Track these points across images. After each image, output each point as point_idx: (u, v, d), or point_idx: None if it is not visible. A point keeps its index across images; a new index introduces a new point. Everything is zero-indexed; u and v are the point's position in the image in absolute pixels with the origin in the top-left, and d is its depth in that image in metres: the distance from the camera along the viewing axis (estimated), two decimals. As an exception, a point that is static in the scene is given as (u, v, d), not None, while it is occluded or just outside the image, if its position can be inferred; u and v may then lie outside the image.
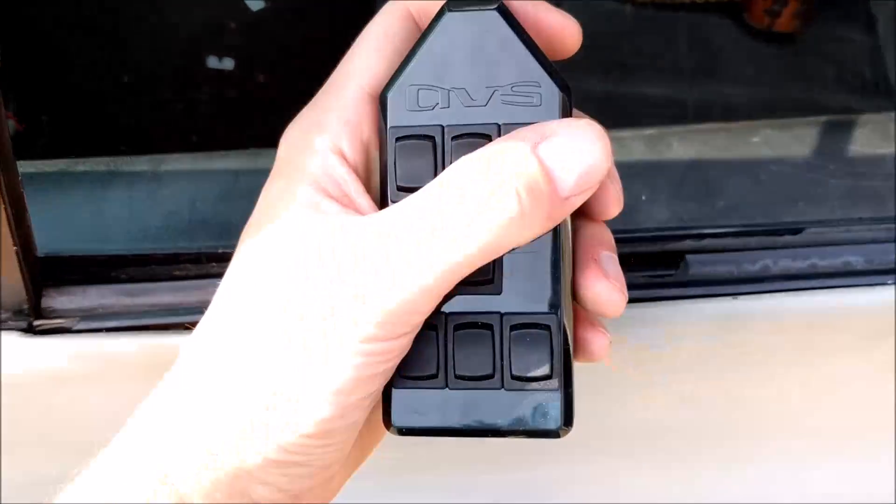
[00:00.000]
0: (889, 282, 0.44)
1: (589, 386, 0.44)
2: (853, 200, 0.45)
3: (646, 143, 0.48)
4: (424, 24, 0.33)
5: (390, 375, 0.31)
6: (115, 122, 1.28)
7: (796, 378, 0.46)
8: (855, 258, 0.44)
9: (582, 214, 0.32)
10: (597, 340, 0.33)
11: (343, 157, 0.31)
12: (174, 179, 0.46)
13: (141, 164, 0.47)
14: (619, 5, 0.99)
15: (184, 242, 0.43)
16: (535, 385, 0.31)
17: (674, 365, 0.45)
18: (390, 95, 0.31)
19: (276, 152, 0.45)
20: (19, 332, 0.41)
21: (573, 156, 0.29)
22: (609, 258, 0.32)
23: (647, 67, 0.98)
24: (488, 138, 0.30)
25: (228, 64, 1.34)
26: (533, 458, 0.50)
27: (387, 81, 0.32)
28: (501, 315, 0.31)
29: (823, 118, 0.48)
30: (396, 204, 0.29)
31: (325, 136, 0.31)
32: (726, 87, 1.00)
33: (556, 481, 0.51)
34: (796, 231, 0.44)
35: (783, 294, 0.43)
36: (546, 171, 0.28)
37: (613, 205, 0.32)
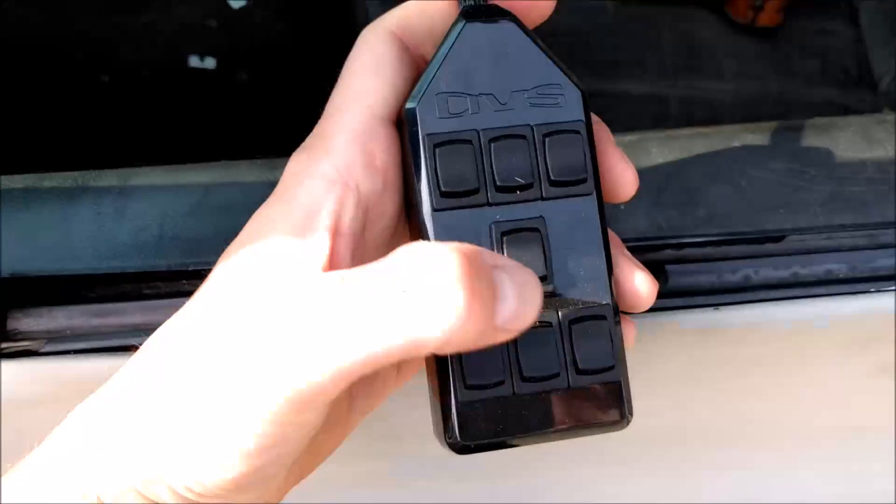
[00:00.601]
0: (872, 289, 0.43)
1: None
2: (835, 206, 0.45)
3: (625, 150, 0.47)
4: (410, 40, 0.33)
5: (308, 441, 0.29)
6: (85, 124, 1.27)
7: (781, 387, 0.45)
8: (837, 266, 0.44)
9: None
10: (629, 330, 0.34)
11: (355, 189, 0.31)
12: (143, 194, 0.45)
13: (109, 178, 0.46)
14: (601, 2, 0.98)
15: (154, 260, 0.42)
16: (599, 377, 0.31)
17: (656, 378, 0.44)
18: (419, 105, 0.32)
19: (248, 164, 0.45)
20: (-16, 356, 0.40)
21: (520, 288, 0.28)
22: (629, 255, 0.34)
23: (628, 63, 0.98)
24: (524, 138, 0.32)
25: (210, 63, 1.33)
26: (520, 467, 0.49)
27: (394, 103, 0.32)
28: (559, 311, 0.31)
29: (804, 122, 0.48)
30: (348, 276, 0.28)
31: (333, 167, 0.31)
32: (709, 82, 0.99)
33: (544, 489, 0.51)
34: (777, 239, 0.44)
35: (765, 304, 0.43)
36: (492, 287, 0.27)
37: (633, 182, 0.34)
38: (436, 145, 0.31)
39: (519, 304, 0.28)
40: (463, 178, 0.31)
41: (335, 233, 0.30)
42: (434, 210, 0.31)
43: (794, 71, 1.02)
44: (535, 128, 0.32)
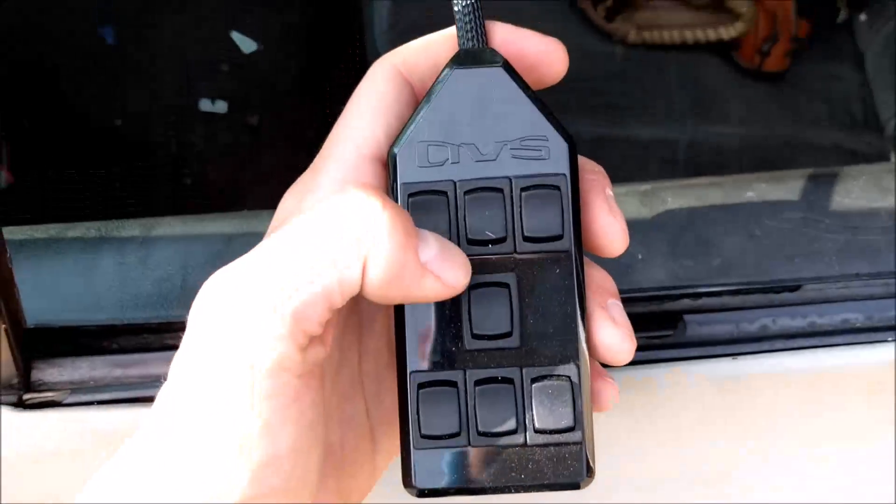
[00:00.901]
0: (889, 339, 0.43)
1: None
2: (850, 255, 0.45)
3: (640, 200, 0.48)
4: (413, 77, 0.33)
5: (298, 439, 0.29)
6: (110, 169, 1.28)
7: (800, 437, 0.45)
8: (854, 315, 0.44)
9: (587, 253, 0.33)
10: (606, 390, 0.32)
11: None
12: (165, 244, 0.45)
13: (131, 228, 0.46)
14: (609, 47, 0.99)
15: (176, 310, 0.43)
16: (558, 437, 0.31)
17: (673, 428, 0.44)
18: (399, 152, 0.32)
19: (269, 214, 0.45)
20: (9, 407, 0.40)
21: (444, 243, 0.30)
22: (615, 305, 0.32)
23: (636, 108, 0.99)
24: (500, 192, 0.31)
25: (221, 107, 1.34)
26: None
27: (384, 141, 0.32)
28: (521, 368, 0.31)
29: (817, 171, 0.48)
30: (284, 229, 0.29)
31: (318, 198, 0.31)
32: (717, 126, 1.00)
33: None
34: (794, 288, 0.44)
35: (783, 353, 0.43)
36: (411, 224, 0.29)
37: (620, 239, 0.32)
38: (410, 195, 0.31)
39: (440, 250, 0.29)
40: (434, 230, 0.31)
41: None
42: None
43: (800, 115, 1.03)
44: (513, 181, 0.31)
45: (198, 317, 0.30)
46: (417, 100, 0.34)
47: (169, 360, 0.43)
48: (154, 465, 0.29)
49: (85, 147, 1.30)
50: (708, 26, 0.98)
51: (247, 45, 1.37)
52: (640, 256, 0.45)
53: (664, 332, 0.43)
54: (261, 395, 0.28)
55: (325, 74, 1.34)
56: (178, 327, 0.43)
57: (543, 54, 0.32)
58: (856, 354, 0.43)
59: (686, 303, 0.44)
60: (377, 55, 1.11)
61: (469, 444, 0.31)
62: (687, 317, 0.43)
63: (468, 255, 0.31)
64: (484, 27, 0.33)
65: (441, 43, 0.34)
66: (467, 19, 0.32)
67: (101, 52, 1.34)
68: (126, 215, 0.49)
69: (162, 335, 0.43)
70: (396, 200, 0.31)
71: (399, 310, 0.32)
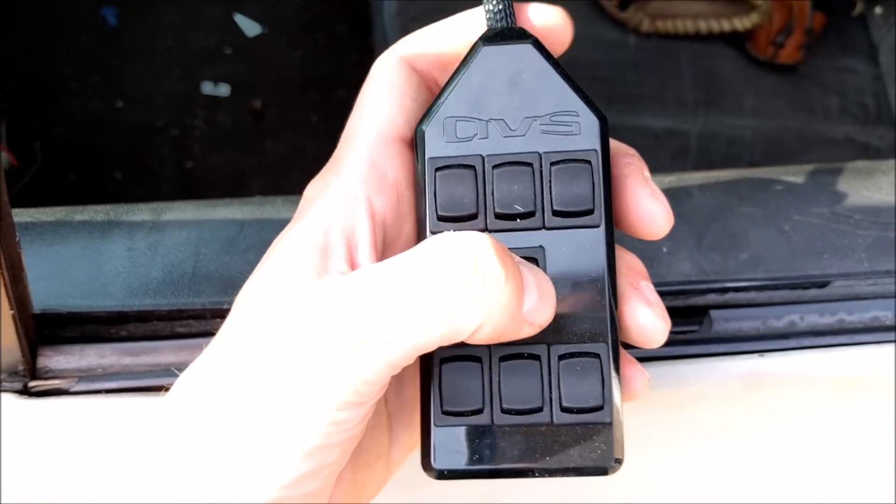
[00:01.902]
0: (920, 338, 0.42)
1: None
2: (880, 251, 0.44)
3: (665, 192, 0.46)
4: (418, 65, 0.33)
5: (345, 451, 0.29)
6: (111, 151, 1.26)
7: (825, 437, 0.44)
8: (884, 313, 0.43)
9: (628, 235, 0.32)
10: (636, 378, 0.32)
11: (366, 203, 0.31)
12: (176, 229, 0.44)
13: (141, 212, 0.45)
14: (622, 36, 0.98)
15: (187, 297, 0.41)
16: (585, 417, 0.29)
17: (698, 425, 0.43)
18: (427, 128, 0.31)
19: (283, 200, 0.45)
20: (14, 394, 0.39)
21: (537, 277, 0.30)
22: (647, 286, 0.32)
23: (649, 98, 0.97)
24: (529, 166, 0.30)
25: (224, 90, 1.32)
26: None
27: (402, 122, 0.32)
28: (549, 345, 0.30)
29: (845, 164, 0.47)
30: (381, 269, 0.29)
31: (345, 184, 0.31)
32: (729, 117, 0.99)
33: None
34: (822, 284, 0.43)
35: (811, 351, 0.42)
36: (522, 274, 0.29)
37: (664, 220, 0.32)
38: (437, 169, 0.31)
39: (539, 294, 0.29)
40: (460, 204, 0.30)
41: (350, 243, 0.31)
42: (431, 233, 0.31)
43: (813, 107, 1.01)
44: (542, 156, 0.31)
45: (279, 325, 0.29)
46: (427, 86, 0.33)
47: (178, 349, 0.41)
48: (198, 446, 0.29)
49: (86, 129, 1.28)
50: (722, 17, 0.97)
51: (251, 28, 1.35)
52: (665, 249, 0.44)
53: (690, 327, 0.42)
54: (325, 422, 0.28)
55: (331, 58, 1.32)
56: (188, 314, 0.42)
57: (549, 25, 0.32)
58: (885, 353, 0.42)
59: (712, 297, 0.43)
60: (385, 40, 1.10)
61: (492, 422, 0.30)
62: (713, 312, 0.42)
63: (496, 230, 0.31)
64: (512, 5, 0.32)
65: (444, 33, 0.34)
66: None
67: (103, 33, 1.32)
68: (126, 199, 0.47)
69: (172, 322, 0.41)
70: (423, 175, 0.31)
71: None
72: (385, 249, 0.32)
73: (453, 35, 0.33)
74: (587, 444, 0.29)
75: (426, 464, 0.30)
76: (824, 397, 0.43)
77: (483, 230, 0.31)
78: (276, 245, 0.32)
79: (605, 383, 0.30)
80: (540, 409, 0.30)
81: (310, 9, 1.37)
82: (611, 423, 0.29)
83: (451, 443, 0.30)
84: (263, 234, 0.44)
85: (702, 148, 0.99)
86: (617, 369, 0.30)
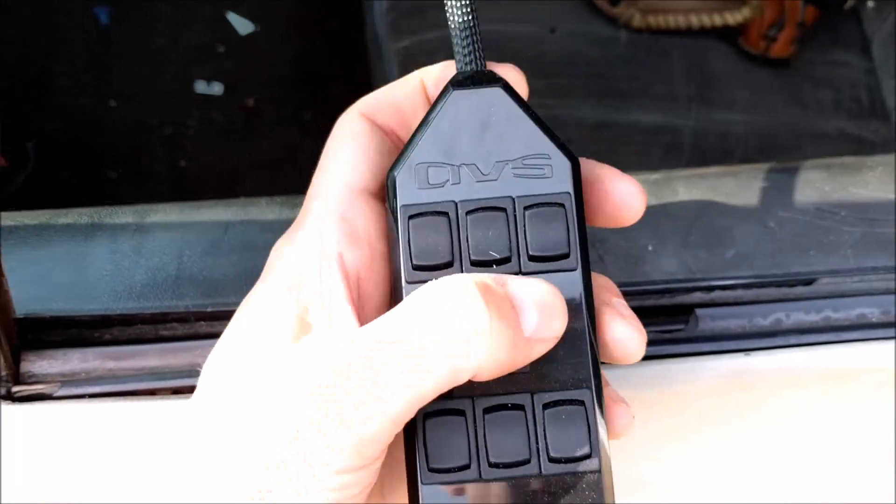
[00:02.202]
0: (906, 335, 0.42)
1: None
2: (866, 248, 0.44)
3: (651, 189, 0.46)
4: (378, 119, 0.33)
5: None
6: (104, 150, 1.26)
7: (813, 434, 0.44)
8: (870, 310, 0.43)
9: (602, 223, 0.32)
10: (621, 416, 0.31)
11: (338, 259, 0.31)
12: (160, 232, 0.44)
13: (125, 215, 0.45)
14: (614, 31, 0.97)
15: (171, 300, 0.41)
16: (574, 466, 0.29)
17: (683, 424, 0.43)
18: (398, 174, 0.31)
19: (268, 201, 0.45)
20: (-3, 400, 0.39)
21: (537, 292, 0.29)
22: (620, 303, 0.32)
23: (641, 93, 0.97)
24: (503, 211, 0.30)
25: (217, 88, 1.32)
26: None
27: (369, 174, 0.32)
28: (532, 393, 0.30)
29: (832, 161, 0.47)
30: (370, 327, 0.28)
31: (315, 241, 0.31)
32: (722, 112, 0.99)
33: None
34: (808, 282, 0.43)
35: (797, 349, 0.42)
36: (512, 304, 0.29)
37: (636, 202, 0.31)
38: (410, 217, 0.30)
39: (541, 313, 0.29)
40: (435, 252, 0.30)
41: (326, 302, 0.30)
42: (406, 283, 0.30)
43: (806, 102, 1.01)
44: (516, 200, 0.30)
45: (275, 393, 0.28)
46: (391, 139, 0.33)
47: (162, 353, 0.41)
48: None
49: (79, 129, 1.28)
50: (714, 11, 0.96)
51: (243, 26, 1.35)
52: (650, 248, 0.44)
53: (675, 326, 0.42)
54: (328, 487, 0.27)
55: (323, 56, 1.32)
56: (172, 318, 0.42)
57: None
58: (872, 350, 0.42)
59: (698, 296, 0.42)
60: (376, 37, 1.09)
61: (480, 478, 0.29)
62: (699, 310, 0.42)
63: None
64: (481, 48, 0.32)
65: (403, 88, 0.34)
66: (465, 41, 0.32)
67: (95, 32, 1.32)
68: (121, 199, 0.47)
69: (156, 326, 0.41)
70: (396, 222, 0.30)
71: None
72: (362, 304, 0.31)
73: (412, 89, 0.34)
74: (577, 492, 0.29)
75: None
76: (810, 395, 0.43)
77: None
78: (245, 307, 0.31)
79: (591, 430, 0.29)
80: (528, 461, 0.29)
81: (301, 5, 1.36)
82: (600, 471, 0.29)
83: (440, 500, 0.29)
84: (247, 236, 0.44)
85: (694, 143, 0.99)
86: (602, 413, 0.30)
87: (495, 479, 0.29)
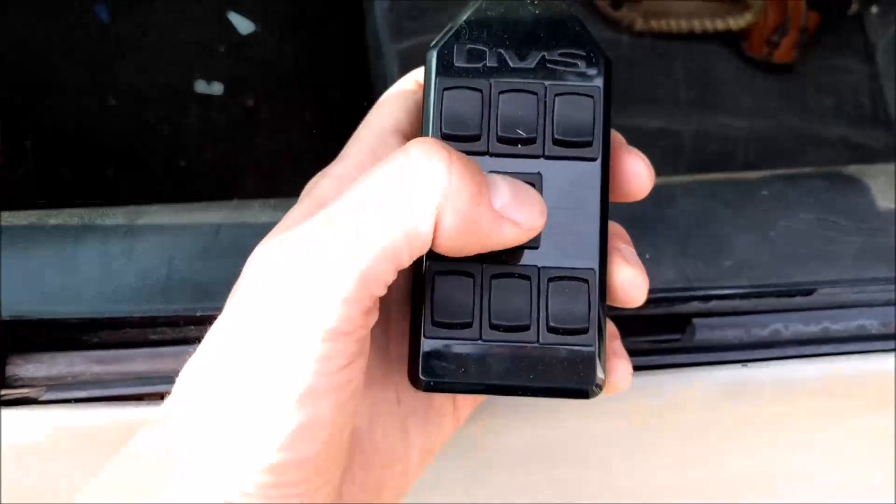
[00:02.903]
0: (906, 347, 0.42)
1: (589, 455, 0.42)
2: (866, 259, 0.43)
3: (648, 197, 0.46)
4: None
5: (338, 409, 0.29)
6: (103, 149, 1.26)
7: (809, 447, 0.43)
8: (870, 321, 0.42)
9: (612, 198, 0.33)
10: (620, 370, 0.33)
11: None
12: (151, 234, 0.43)
13: (116, 216, 0.44)
14: (616, 35, 0.97)
15: (160, 304, 0.41)
16: (570, 339, 0.31)
17: (679, 435, 0.42)
18: (438, 50, 0.32)
19: (261, 203, 0.45)
20: (-18, 403, 0.39)
21: (513, 181, 0.30)
22: (628, 249, 0.33)
23: (642, 97, 0.97)
24: (534, 94, 0.32)
25: (217, 88, 1.32)
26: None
27: (406, 120, 0.33)
28: (539, 268, 0.31)
29: (833, 170, 0.46)
30: (335, 198, 0.29)
31: (344, 169, 0.33)
32: (723, 117, 0.98)
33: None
34: (808, 292, 0.42)
35: (795, 360, 0.41)
36: (478, 170, 0.29)
37: (645, 180, 0.34)
38: (445, 88, 0.32)
39: (513, 192, 0.30)
40: (465, 123, 0.32)
41: None
42: None
43: (808, 107, 1.00)
44: (548, 86, 0.32)
45: (254, 277, 0.29)
46: None
47: (151, 357, 0.41)
48: (189, 421, 0.28)
49: (77, 126, 1.27)
50: (716, 16, 0.96)
51: (244, 25, 1.35)
52: (647, 256, 0.43)
53: (672, 335, 0.42)
54: (312, 358, 0.27)
55: (323, 56, 1.31)
56: (161, 322, 0.41)
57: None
58: (871, 362, 0.42)
59: (696, 305, 0.42)
60: (377, 38, 1.08)
61: (480, 338, 0.31)
62: (696, 320, 0.42)
63: (497, 154, 0.32)
64: None
65: None
66: None
67: (95, 30, 1.31)
68: (118, 199, 0.47)
69: (145, 330, 0.41)
70: (430, 95, 0.32)
71: None
72: None
73: None
74: (571, 366, 0.31)
75: (413, 376, 0.31)
76: (808, 407, 0.42)
77: (484, 152, 0.32)
78: (284, 220, 0.33)
79: (591, 307, 0.31)
80: (527, 328, 0.31)
81: (302, 5, 1.36)
82: (594, 346, 0.31)
83: (439, 356, 0.31)
84: (239, 240, 0.43)
85: (695, 147, 0.98)
86: (604, 297, 0.31)
87: (494, 342, 0.31)
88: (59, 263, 0.42)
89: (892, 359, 0.42)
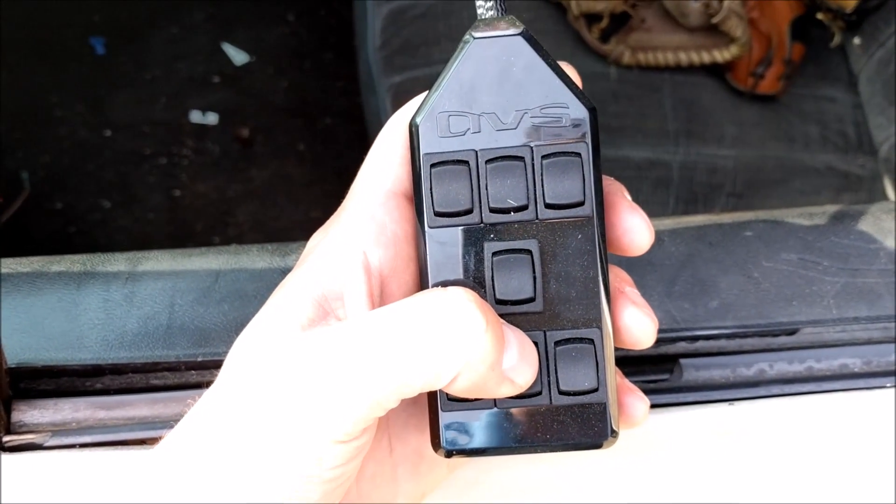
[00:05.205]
0: (888, 384, 0.43)
1: (578, 493, 0.43)
2: (848, 298, 0.44)
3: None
4: None
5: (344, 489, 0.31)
6: (99, 180, 1.26)
7: (795, 485, 0.45)
8: (852, 360, 0.43)
9: (611, 251, 0.34)
10: (636, 405, 0.34)
11: (362, 254, 0.32)
12: (152, 280, 0.44)
13: (117, 263, 0.45)
14: (604, 68, 0.98)
15: (162, 350, 0.42)
16: (581, 399, 0.32)
17: (668, 474, 0.43)
18: (421, 122, 0.32)
19: (259, 249, 0.46)
20: (-12, 450, 0.39)
21: (519, 335, 0.31)
22: (633, 292, 0.34)
23: (630, 129, 0.98)
24: (521, 160, 0.32)
25: (212, 119, 1.33)
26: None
27: (405, 178, 0.33)
28: (545, 332, 0.32)
29: (815, 210, 0.48)
30: (371, 316, 0.30)
31: (343, 235, 0.33)
32: (710, 147, 1.00)
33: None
34: (791, 332, 0.43)
35: (780, 399, 0.42)
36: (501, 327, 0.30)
37: (644, 236, 0.33)
38: (432, 165, 0.32)
39: (520, 354, 0.31)
40: (456, 199, 0.32)
41: (345, 294, 0.32)
42: (429, 227, 0.32)
43: (794, 136, 1.02)
44: (534, 148, 0.32)
45: (265, 370, 0.30)
46: None
47: (153, 402, 0.42)
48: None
49: (74, 157, 1.28)
50: (702, 49, 0.98)
51: (239, 57, 1.36)
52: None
53: (660, 375, 0.43)
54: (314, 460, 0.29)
55: (317, 87, 1.33)
56: (163, 367, 0.42)
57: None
58: (854, 400, 0.43)
59: (683, 346, 0.43)
60: (369, 71, 1.10)
61: (495, 406, 0.32)
62: (683, 360, 0.43)
63: (491, 224, 0.32)
64: None
65: None
66: None
67: (91, 63, 1.33)
68: (114, 228, 0.48)
69: (147, 375, 0.42)
70: (419, 170, 0.32)
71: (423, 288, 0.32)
72: (382, 301, 0.33)
73: None
74: (584, 422, 0.32)
75: (435, 444, 0.32)
76: (794, 445, 0.43)
77: (479, 224, 0.32)
78: (274, 294, 0.33)
79: (598, 367, 0.32)
80: (539, 393, 0.32)
81: (296, 37, 1.37)
82: (605, 403, 0.32)
83: (458, 425, 0.32)
84: (238, 285, 0.44)
85: (683, 178, 0.99)
86: (611, 351, 0.32)
87: (510, 409, 0.32)
88: (63, 310, 0.43)
89: (875, 396, 0.43)
